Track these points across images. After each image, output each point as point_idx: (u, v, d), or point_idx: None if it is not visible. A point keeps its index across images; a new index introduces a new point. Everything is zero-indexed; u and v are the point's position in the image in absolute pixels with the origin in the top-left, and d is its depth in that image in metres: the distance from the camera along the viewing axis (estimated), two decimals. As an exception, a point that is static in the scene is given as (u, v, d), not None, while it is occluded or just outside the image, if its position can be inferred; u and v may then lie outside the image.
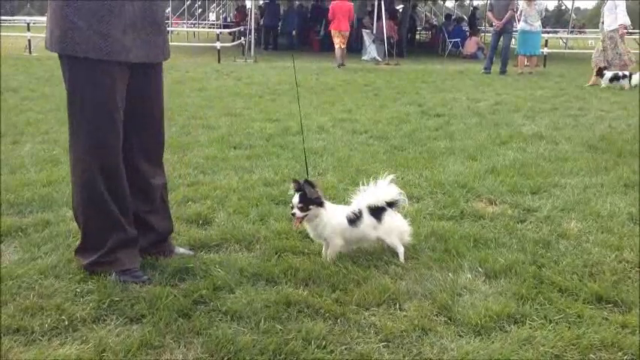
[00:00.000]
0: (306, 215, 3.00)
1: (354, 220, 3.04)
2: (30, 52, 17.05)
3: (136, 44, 2.74)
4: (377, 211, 3.07)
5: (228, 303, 2.61)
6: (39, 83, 10.29)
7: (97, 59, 2.66)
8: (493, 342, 2.35)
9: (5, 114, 7.13)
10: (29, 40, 17.57)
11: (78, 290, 2.69)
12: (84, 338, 2.33)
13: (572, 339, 2.36)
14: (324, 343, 2.31)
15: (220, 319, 2.49)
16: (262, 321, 2.45)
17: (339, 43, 15.53)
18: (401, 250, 3.11)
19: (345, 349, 2.30)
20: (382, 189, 3.09)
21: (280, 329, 2.40)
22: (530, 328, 2.45)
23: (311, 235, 3.12)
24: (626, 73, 11.24)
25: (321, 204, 3.00)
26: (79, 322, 2.44)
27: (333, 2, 16.11)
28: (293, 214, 3.01)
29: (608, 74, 11.25)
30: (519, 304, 2.62)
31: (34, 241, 3.25)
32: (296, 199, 2.99)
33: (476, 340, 2.37)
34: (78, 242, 2.95)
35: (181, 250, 3.16)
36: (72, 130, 2.82)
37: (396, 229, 3.12)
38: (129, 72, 2.80)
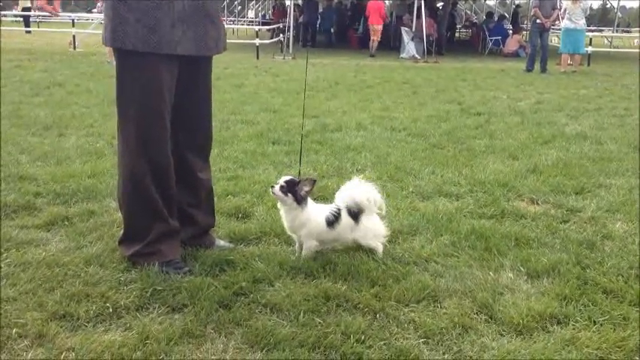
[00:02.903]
0: (281, 198, 2.98)
1: (332, 222, 3.01)
2: (74, 48, 17.44)
3: (186, 37, 2.77)
4: (355, 213, 3.03)
5: (268, 295, 2.63)
6: (83, 78, 10.52)
7: (144, 52, 2.71)
8: (535, 342, 2.31)
9: (51, 107, 7.33)
10: (74, 36, 17.97)
11: (122, 279, 2.75)
12: (127, 325, 2.38)
13: (617, 341, 2.31)
14: (363, 337, 2.31)
15: (260, 311, 2.51)
16: (301, 314, 2.46)
17: (372, 35, 18.73)
18: (380, 249, 3.08)
19: (384, 344, 2.29)
20: (362, 188, 3.04)
21: (319, 322, 2.41)
22: (574, 328, 2.40)
23: (285, 225, 3.08)
24: None
25: (299, 202, 2.97)
26: (123, 310, 2.49)
27: (369, 2, 19.16)
28: (272, 187, 3.01)
29: None
30: (562, 305, 2.57)
31: (79, 231, 3.33)
32: (283, 179, 3.00)
33: (517, 339, 2.34)
34: (121, 232, 3.01)
35: (221, 242, 3.20)
36: (120, 121, 2.87)
37: (372, 230, 3.08)
38: (178, 66, 2.84)
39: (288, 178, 3.00)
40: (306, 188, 2.96)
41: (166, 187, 2.90)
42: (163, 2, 2.71)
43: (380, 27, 18.67)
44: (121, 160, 2.90)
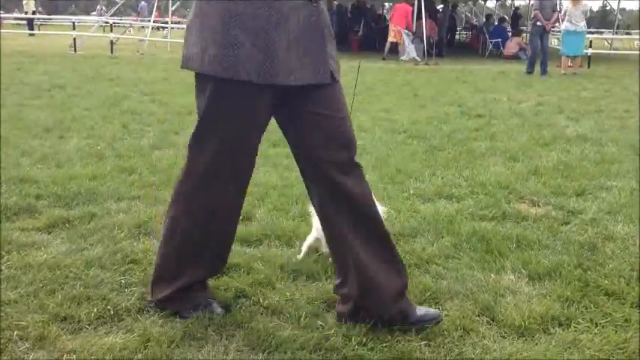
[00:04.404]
0: None
1: None
2: (75, 51, 17.47)
3: (302, 63, 2.23)
4: None
5: (269, 298, 2.63)
6: (84, 80, 10.54)
7: (255, 82, 2.19)
8: (537, 344, 2.31)
9: (52, 110, 7.34)
10: (74, 39, 18.01)
11: (123, 281, 2.75)
12: (129, 328, 2.37)
13: (619, 343, 2.31)
14: (364, 340, 2.31)
15: (261, 314, 2.51)
16: (303, 316, 2.46)
17: (390, 36, 18.27)
18: None
19: (386, 346, 2.29)
20: None
21: (321, 325, 2.40)
22: (576, 331, 2.40)
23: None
24: None
25: None
26: (124, 312, 2.48)
27: (396, 4, 19.66)
28: None
29: None
30: (564, 307, 2.57)
31: (80, 233, 3.33)
32: None
33: (519, 341, 2.34)
34: (153, 273, 2.58)
35: None
36: (191, 153, 2.39)
37: None
38: (279, 96, 2.30)
39: None
40: None
41: (222, 230, 2.51)
42: (280, 17, 2.17)
43: (399, 28, 18.06)
44: (180, 194, 2.45)
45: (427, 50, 17.47)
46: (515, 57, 19.40)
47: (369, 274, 2.37)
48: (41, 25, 31.88)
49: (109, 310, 2.48)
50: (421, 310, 2.43)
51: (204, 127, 2.32)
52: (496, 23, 23.39)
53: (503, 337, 2.37)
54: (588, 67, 15.75)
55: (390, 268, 2.41)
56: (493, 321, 2.49)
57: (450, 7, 23.22)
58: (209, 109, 2.29)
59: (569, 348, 2.29)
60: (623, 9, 36.04)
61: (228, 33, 2.16)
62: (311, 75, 2.26)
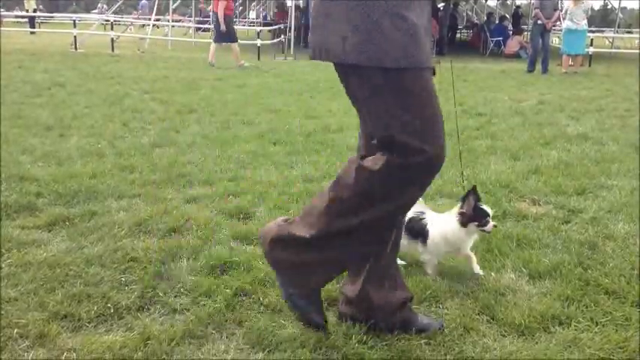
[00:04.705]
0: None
1: None
2: (76, 49, 17.45)
3: (428, 46, 2.10)
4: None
5: (270, 296, 2.62)
6: (85, 79, 10.53)
7: (409, 68, 2.00)
8: (537, 342, 2.31)
9: (53, 108, 7.33)
10: (75, 37, 17.99)
11: (123, 279, 2.75)
12: (129, 326, 2.37)
13: (620, 342, 2.31)
14: (364, 338, 2.31)
15: (262, 312, 2.51)
16: (303, 315, 2.46)
17: None
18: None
19: (386, 345, 2.29)
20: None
21: (321, 323, 2.40)
22: (576, 329, 2.40)
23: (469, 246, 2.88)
24: None
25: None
26: (124, 310, 2.48)
27: None
28: (495, 226, 2.86)
29: None
30: (564, 306, 2.57)
31: (80, 231, 3.33)
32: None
33: (519, 340, 2.34)
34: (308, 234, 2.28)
35: None
36: (391, 157, 2.08)
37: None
38: None
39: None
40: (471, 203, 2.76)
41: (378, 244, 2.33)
42: (410, 3, 2.02)
43: None
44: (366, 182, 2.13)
45: (428, 49, 17.45)
46: (516, 56, 19.42)
47: (377, 285, 2.37)
48: (42, 23, 31.88)
49: (109, 308, 2.49)
50: (424, 319, 2.42)
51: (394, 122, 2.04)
52: (497, 22, 23.37)
53: (504, 335, 2.37)
54: (589, 65, 15.73)
55: (397, 281, 2.43)
56: (493, 320, 2.48)
57: (451, 6, 23.24)
58: (408, 102, 2.03)
59: (570, 347, 2.28)
60: (624, 8, 36.05)
61: (368, 18, 1.97)
62: (430, 59, 2.12)
